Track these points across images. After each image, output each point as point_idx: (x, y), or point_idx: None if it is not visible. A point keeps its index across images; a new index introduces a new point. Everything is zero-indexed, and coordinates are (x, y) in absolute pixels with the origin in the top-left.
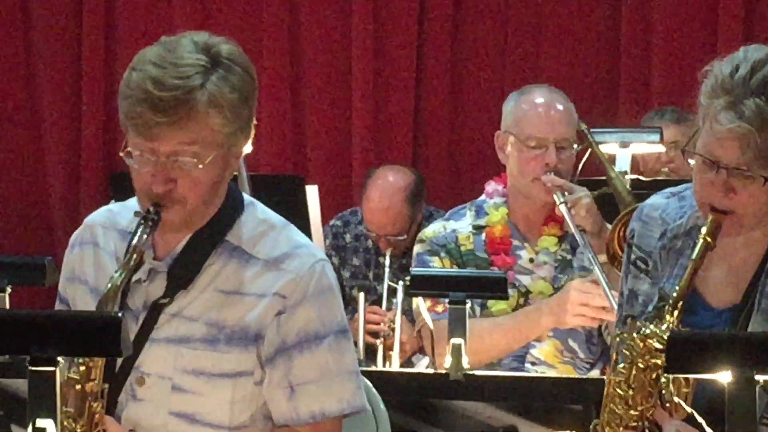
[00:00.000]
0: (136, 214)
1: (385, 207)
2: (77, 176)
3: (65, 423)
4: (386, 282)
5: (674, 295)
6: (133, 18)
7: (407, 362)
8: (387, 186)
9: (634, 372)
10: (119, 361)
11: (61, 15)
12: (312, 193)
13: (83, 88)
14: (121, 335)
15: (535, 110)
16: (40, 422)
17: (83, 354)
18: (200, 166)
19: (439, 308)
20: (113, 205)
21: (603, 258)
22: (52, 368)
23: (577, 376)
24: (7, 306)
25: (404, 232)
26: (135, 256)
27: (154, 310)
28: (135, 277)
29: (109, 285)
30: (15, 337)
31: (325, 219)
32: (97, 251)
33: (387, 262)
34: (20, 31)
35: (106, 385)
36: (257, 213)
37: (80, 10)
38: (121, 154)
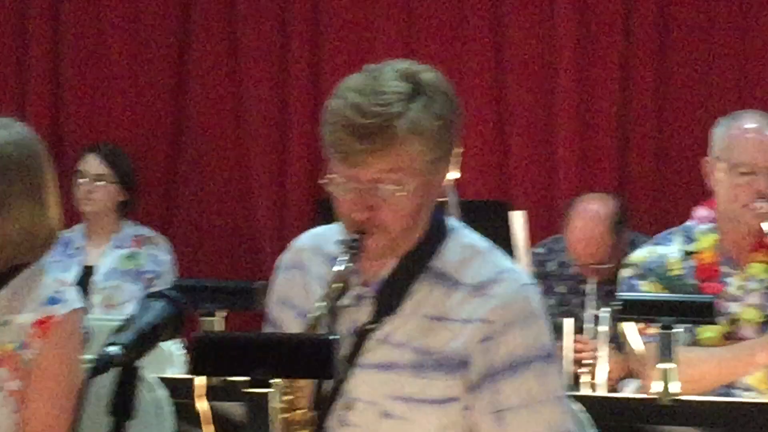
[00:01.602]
0: (340, 241)
1: (588, 237)
2: (284, 203)
3: None
4: (590, 309)
5: None
6: (338, 47)
7: (612, 390)
8: (590, 215)
9: None
10: (327, 387)
11: (267, 44)
12: (518, 218)
13: (289, 116)
14: (332, 358)
15: (745, 136)
16: None
17: (294, 375)
18: (402, 193)
19: (651, 330)
20: (319, 229)
21: None
22: (266, 390)
23: None
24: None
25: (608, 260)
26: (340, 282)
27: (361, 335)
28: (341, 303)
29: (315, 312)
30: (232, 359)
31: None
32: (305, 275)
33: (592, 289)
34: (227, 65)
35: (314, 413)
36: (462, 238)
37: (287, 42)
38: (323, 182)
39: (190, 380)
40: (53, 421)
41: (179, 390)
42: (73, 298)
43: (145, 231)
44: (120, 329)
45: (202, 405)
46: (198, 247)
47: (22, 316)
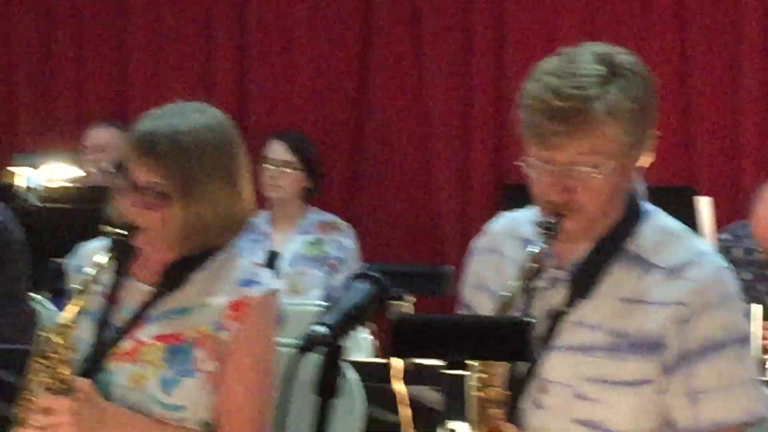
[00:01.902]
0: (536, 223)
1: None
2: (466, 188)
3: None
4: None
5: None
6: (521, 32)
7: None
8: None
9: None
10: (521, 368)
11: (450, 30)
12: (704, 205)
13: (472, 101)
14: (528, 340)
15: None
16: (452, 424)
17: (491, 358)
18: (598, 175)
19: None
20: (515, 213)
21: None
22: (464, 372)
23: None
24: None
25: None
26: (535, 264)
27: (556, 318)
28: (536, 285)
29: (508, 292)
30: (432, 342)
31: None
32: (500, 259)
33: None
34: (410, 50)
35: (509, 393)
36: (657, 221)
37: (471, 27)
38: (519, 164)
39: (380, 364)
40: (248, 403)
41: (368, 373)
42: (268, 280)
43: (330, 217)
44: (326, 310)
45: (399, 387)
46: (380, 234)
47: (218, 298)
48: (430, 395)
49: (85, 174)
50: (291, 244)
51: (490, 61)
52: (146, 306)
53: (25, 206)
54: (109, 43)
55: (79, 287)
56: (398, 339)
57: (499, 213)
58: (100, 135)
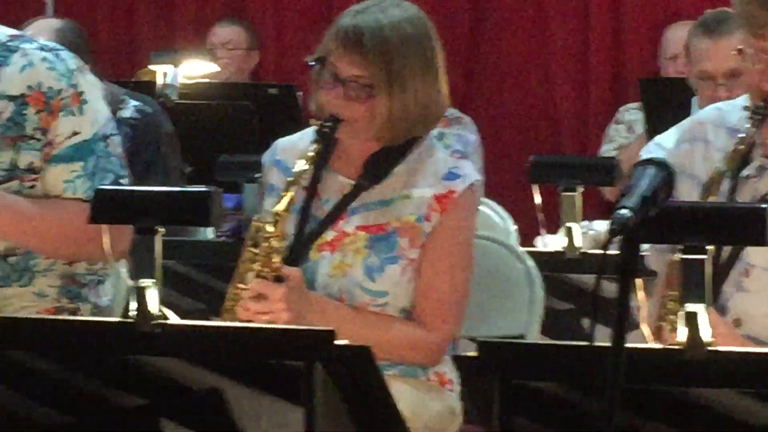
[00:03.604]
0: (746, 109)
1: None
2: (585, 80)
3: None
4: None
5: None
6: None
7: None
8: None
9: None
10: (725, 254)
11: None
12: None
13: None
14: (766, 225)
15: None
16: (692, 307)
17: (728, 242)
18: None
19: None
20: (722, 104)
21: None
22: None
23: None
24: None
25: None
26: (742, 145)
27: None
28: (743, 174)
29: (711, 176)
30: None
31: None
32: (707, 147)
33: None
34: None
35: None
36: None
37: None
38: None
39: (558, 253)
40: (446, 291)
41: (546, 263)
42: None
43: (451, 111)
44: (625, 195)
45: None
46: (498, 126)
47: (421, 190)
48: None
49: (220, 70)
50: None
51: None
52: (348, 198)
53: (164, 103)
54: None
55: (289, 179)
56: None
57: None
58: (226, 32)
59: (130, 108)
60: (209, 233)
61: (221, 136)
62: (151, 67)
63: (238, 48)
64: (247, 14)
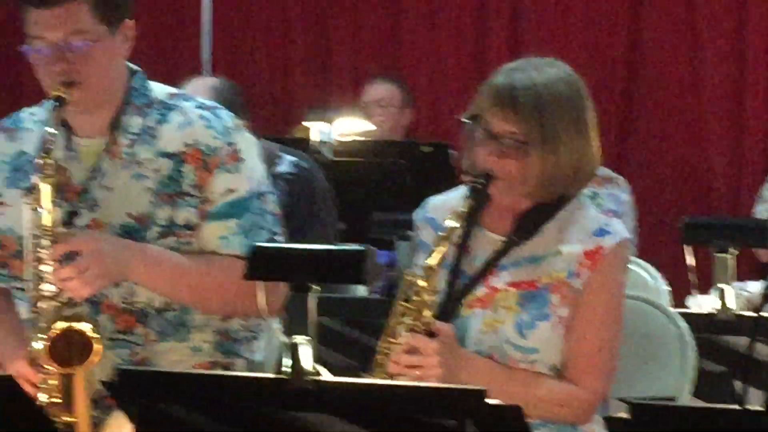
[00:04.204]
0: None
1: None
2: (738, 144)
3: None
4: None
5: None
6: None
7: None
8: None
9: None
10: None
11: None
12: None
13: (747, 54)
14: None
15: None
16: None
17: None
18: None
19: None
20: None
21: None
22: None
23: None
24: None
25: None
26: None
27: None
28: None
29: None
30: None
31: None
32: None
33: None
34: (683, 5)
35: None
36: None
37: None
38: None
39: (710, 314)
40: (597, 349)
41: (698, 325)
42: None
43: (605, 171)
44: None
45: None
46: (651, 186)
47: (571, 246)
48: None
49: (374, 128)
50: None
51: (765, 14)
52: (499, 254)
53: (319, 160)
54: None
55: (442, 234)
56: None
57: None
58: (379, 90)
59: (287, 163)
60: (362, 290)
61: (375, 193)
62: (306, 124)
63: (392, 106)
64: (402, 72)
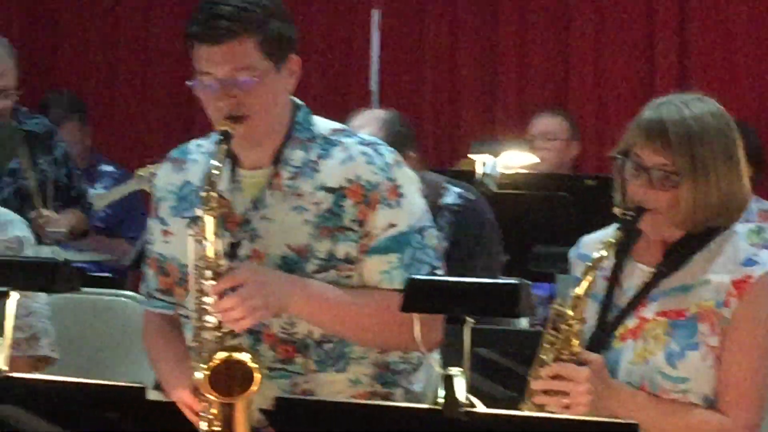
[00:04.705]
0: None
1: None
2: None
3: None
4: None
5: None
6: None
7: None
8: None
9: None
10: None
11: None
12: None
13: None
14: None
15: None
16: None
17: None
18: None
19: None
20: None
21: None
22: None
23: None
24: None
25: None
26: None
27: None
28: None
29: None
30: None
31: None
32: None
33: None
34: None
35: None
36: None
37: None
38: None
39: None
40: (746, 379)
41: None
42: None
43: None
44: None
45: None
46: None
47: (720, 275)
48: None
49: (539, 161)
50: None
51: None
52: (649, 285)
53: (483, 192)
54: (552, 32)
55: (589, 263)
56: None
57: None
58: (545, 123)
59: (453, 195)
60: (523, 322)
61: (537, 226)
62: (471, 156)
63: (559, 139)
64: (568, 105)
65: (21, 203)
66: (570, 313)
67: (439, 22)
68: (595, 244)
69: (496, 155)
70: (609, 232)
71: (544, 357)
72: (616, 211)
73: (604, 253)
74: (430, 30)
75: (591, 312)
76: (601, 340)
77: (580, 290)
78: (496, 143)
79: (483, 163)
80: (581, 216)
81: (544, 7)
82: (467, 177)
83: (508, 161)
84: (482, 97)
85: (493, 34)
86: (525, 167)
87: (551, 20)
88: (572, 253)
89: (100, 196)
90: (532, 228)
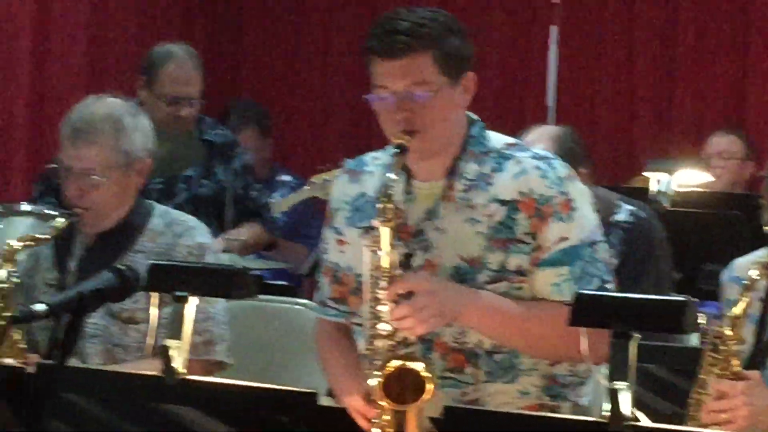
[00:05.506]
0: None
1: None
2: None
3: None
4: None
5: None
6: None
7: None
8: None
9: None
10: None
11: None
12: None
13: None
14: None
15: None
16: None
17: None
18: None
19: None
20: None
21: None
22: None
23: None
24: None
25: None
26: None
27: None
28: None
29: None
30: None
31: None
32: None
33: None
34: None
35: None
36: None
37: None
38: None
39: None
40: None
41: None
42: None
43: None
44: None
45: None
46: None
47: None
48: None
49: (713, 179)
50: None
51: None
52: None
53: (656, 209)
54: (729, 51)
55: (746, 283)
56: None
57: None
58: (721, 143)
59: (625, 212)
60: (694, 339)
61: (710, 244)
62: (646, 174)
63: (734, 158)
64: (745, 124)
65: (194, 211)
66: (729, 333)
67: (616, 39)
68: (749, 265)
69: (671, 173)
70: (760, 253)
71: (704, 377)
72: (767, 230)
73: (759, 273)
74: (607, 47)
75: (747, 332)
76: (758, 359)
77: (737, 310)
78: (672, 162)
79: (658, 180)
80: (754, 235)
81: (722, 27)
82: (641, 194)
83: (682, 179)
84: (658, 115)
85: (670, 52)
86: (699, 186)
87: (729, 39)
88: (724, 276)
89: (275, 203)
90: (704, 246)
